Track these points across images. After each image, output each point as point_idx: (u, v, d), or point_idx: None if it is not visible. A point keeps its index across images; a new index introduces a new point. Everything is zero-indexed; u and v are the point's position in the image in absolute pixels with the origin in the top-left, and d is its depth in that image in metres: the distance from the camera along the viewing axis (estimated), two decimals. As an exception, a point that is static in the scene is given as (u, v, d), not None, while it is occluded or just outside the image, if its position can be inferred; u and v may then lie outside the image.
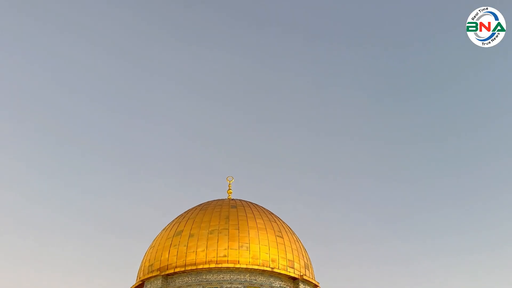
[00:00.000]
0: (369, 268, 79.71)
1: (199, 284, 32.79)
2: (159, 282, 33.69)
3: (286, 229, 37.73)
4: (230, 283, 32.64)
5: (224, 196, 41.74)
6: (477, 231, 77.91)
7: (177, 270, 33.51)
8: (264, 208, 39.69)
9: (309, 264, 36.79)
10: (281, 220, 38.98)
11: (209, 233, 34.96)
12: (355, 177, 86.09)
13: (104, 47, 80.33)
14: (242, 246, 34.08)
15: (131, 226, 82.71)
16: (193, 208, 39.84)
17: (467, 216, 79.35)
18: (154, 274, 34.34)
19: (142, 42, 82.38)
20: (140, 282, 35.63)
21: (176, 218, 39.19)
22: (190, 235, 35.29)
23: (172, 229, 37.18)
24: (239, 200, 40.37)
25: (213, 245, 34.17)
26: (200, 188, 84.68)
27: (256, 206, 39.53)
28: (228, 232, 34.84)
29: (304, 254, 36.97)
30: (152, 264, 35.50)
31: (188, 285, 32.95)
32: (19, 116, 78.53)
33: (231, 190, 41.85)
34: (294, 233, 38.45)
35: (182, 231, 36.07)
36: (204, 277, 32.99)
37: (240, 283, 32.66)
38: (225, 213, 36.88)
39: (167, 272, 33.76)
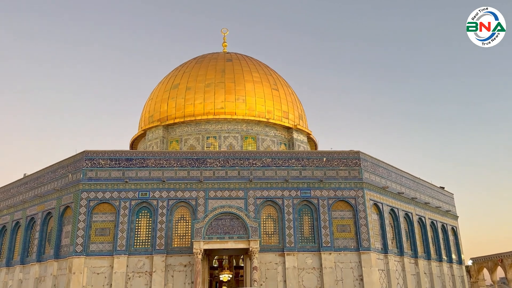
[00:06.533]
0: (358, 118, 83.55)
1: (198, 134, 34.36)
2: (160, 131, 35.13)
3: (282, 82, 38.31)
4: (228, 132, 34.27)
5: (219, 49, 41.32)
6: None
7: (176, 121, 34.74)
8: (260, 62, 39.69)
9: (303, 115, 38.29)
10: (277, 74, 39.34)
11: (206, 86, 35.48)
12: (351, 36, 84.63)
13: None
14: (238, 99, 34.97)
15: (129, 79, 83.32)
16: (188, 61, 39.67)
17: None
18: (155, 124, 35.68)
19: None
20: (142, 132, 37.16)
21: (171, 72, 39.27)
22: (187, 88, 35.82)
23: (169, 82, 37.56)
24: (235, 53, 40.07)
25: (210, 97, 34.98)
26: (194, 40, 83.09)
27: (252, 59, 39.45)
28: (225, 85, 35.39)
29: (298, 105, 38.20)
30: (152, 115, 36.67)
31: (188, 134, 34.55)
32: None
33: (226, 43, 41.29)
34: (289, 86, 39.16)
35: (178, 84, 36.51)
36: (203, 127, 34.47)
37: (237, 133, 34.33)
38: (220, 66, 36.95)
39: (167, 122, 35.03)
